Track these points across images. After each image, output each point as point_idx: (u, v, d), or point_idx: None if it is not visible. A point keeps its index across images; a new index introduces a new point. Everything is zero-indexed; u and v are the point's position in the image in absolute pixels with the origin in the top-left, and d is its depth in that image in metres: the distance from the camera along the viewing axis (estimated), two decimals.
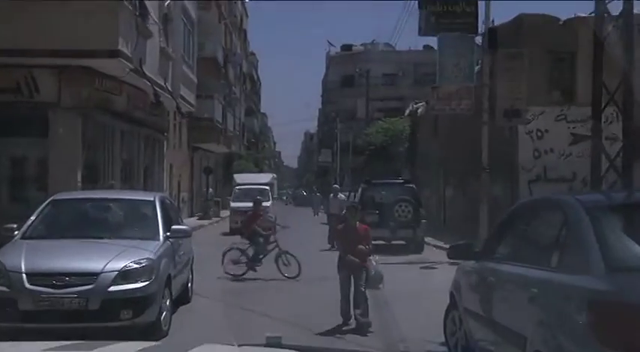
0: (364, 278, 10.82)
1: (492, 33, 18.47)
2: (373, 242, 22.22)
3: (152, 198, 12.22)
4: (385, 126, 36.52)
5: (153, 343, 2.80)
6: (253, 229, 16.59)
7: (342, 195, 25.00)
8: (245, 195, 32.41)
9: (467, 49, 18.99)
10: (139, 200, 12.68)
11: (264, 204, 29.66)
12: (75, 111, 20.05)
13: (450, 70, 18.95)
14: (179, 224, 12.76)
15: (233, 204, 33.20)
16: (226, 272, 15.68)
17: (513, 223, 7.31)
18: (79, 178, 20.38)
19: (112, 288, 9.51)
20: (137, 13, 21.49)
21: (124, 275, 9.64)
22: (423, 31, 18.84)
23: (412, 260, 19.09)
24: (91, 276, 9.54)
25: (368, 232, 11.48)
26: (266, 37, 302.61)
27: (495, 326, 6.62)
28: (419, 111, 33.95)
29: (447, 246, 21.44)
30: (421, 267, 17.21)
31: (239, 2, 66.94)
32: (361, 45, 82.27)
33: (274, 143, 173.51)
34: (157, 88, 23.72)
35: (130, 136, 26.38)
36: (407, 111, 38.13)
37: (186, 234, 12.11)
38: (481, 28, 19.16)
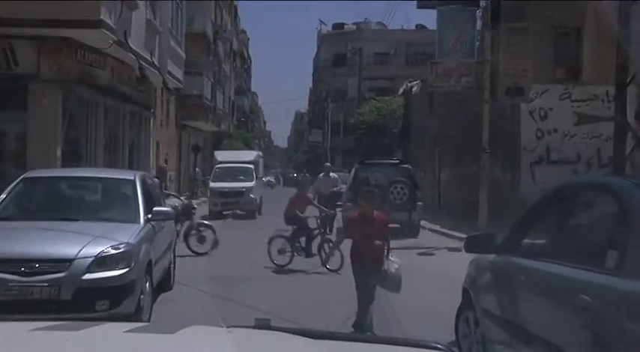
0: (379, 280, 9.10)
1: (495, 6, 17.56)
2: None
3: (132, 177, 11.37)
4: (378, 105, 35.57)
5: (141, 324, 2.68)
6: (297, 215, 15.08)
7: (334, 175, 23.22)
8: (226, 174, 30.66)
9: (468, 22, 18.07)
10: (118, 179, 11.80)
11: (248, 184, 28.78)
12: (55, 84, 19.12)
13: (449, 44, 18.05)
14: (161, 205, 11.95)
15: (212, 185, 30.48)
16: (273, 262, 14.55)
17: (549, 211, 6.20)
18: (59, 155, 19.46)
19: (87, 276, 8.67)
20: None
21: (100, 262, 8.80)
22: (421, 3, 17.89)
23: (408, 245, 18.19)
24: (64, 263, 8.67)
25: (387, 223, 9.81)
26: (257, 15, 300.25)
27: (522, 334, 5.61)
28: (413, 89, 33.05)
29: (444, 230, 20.79)
30: (418, 253, 16.32)
31: None
32: (353, 24, 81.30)
33: (264, 122, 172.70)
34: (142, 62, 22.74)
35: (115, 112, 25.39)
36: (400, 90, 37.20)
37: (168, 217, 11.30)
38: (482, 1, 18.23)
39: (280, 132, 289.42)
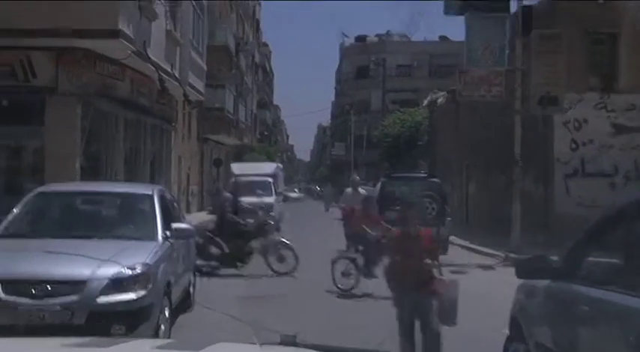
0: (434, 310, 7.64)
1: (527, 12, 16.89)
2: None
3: (150, 192, 10.75)
4: (403, 117, 34.87)
5: (169, 340, 2.86)
6: (364, 233, 13.18)
7: (364, 190, 20.67)
8: (243, 188, 27.70)
9: (497, 29, 17.38)
10: (135, 194, 11.16)
11: (266, 199, 25.88)
12: (74, 97, 18.64)
13: (478, 52, 17.37)
14: (180, 221, 11.31)
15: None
16: (337, 287, 13.18)
17: (616, 232, 5.31)
18: (78, 169, 18.97)
19: (102, 299, 8.12)
20: None
21: (116, 284, 8.24)
22: (448, 10, 17.23)
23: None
24: (77, 285, 8.11)
25: (434, 241, 8.79)
26: (279, 28, 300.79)
27: None
28: (439, 101, 32.35)
29: (474, 247, 20.05)
30: (451, 271, 15.52)
31: None
32: (376, 36, 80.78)
33: (287, 136, 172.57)
34: (162, 73, 22.25)
35: (135, 125, 24.92)
36: (425, 102, 36.51)
37: (189, 234, 10.70)
38: (513, 7, 17.57)
39: (303, 145, 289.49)
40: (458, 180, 28.58)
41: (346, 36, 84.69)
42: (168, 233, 9.79)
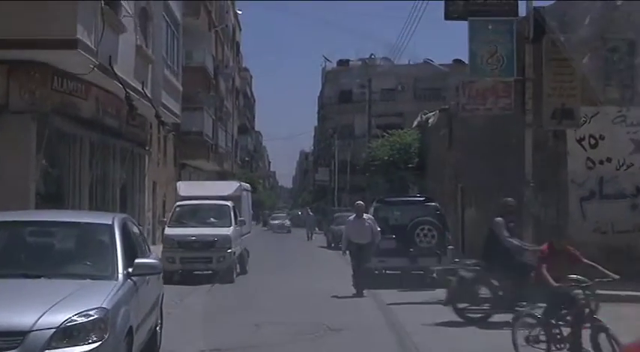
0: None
1: (538, 15, 15.02)
2: (387, 272, 18.85)
3: (110, 222, 9.01)
4: (392, 139, 32.95)
5: None
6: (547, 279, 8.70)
7: (370, 216, 17.38)
8: (191, 215, 21.84)
9: (505, 35, 15.46)
10: (92, 224, 9.38)
11: (220, 231, 19.93)
12: (27, 115, 16.59)
13: (484, 61, 15.42)
14: (146, 255, 9.59)
15: (169, 231, 21.03)
16: None
17: None
18: (32, 196, 16.89)
19: None
20: None
21: (65, 334, 6.72)
22: (450, 14, 15.33)
23: (440, 296, 15.40)
24: (16, 337, 6.55)
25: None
26: (260, 54, 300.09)
27: None
28: (430, 121, 30.46)
29: None
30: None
31: (231, 13, 63.71)
32: (359, 60, 79.38)
33: (269, 162, 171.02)
34: (129, 91, 20.19)
35: (103, 149, 22.86)
36: (415, 122, 34.64)
37: (154, 271, 8.89)
38: (522, 10, 15.66)
39: (285, 172, 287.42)
40: (452, 205, 26.56)
41: (328, 60, 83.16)
42: (130, 270, 8.24)
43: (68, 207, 19.21)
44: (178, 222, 21.49)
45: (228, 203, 21.59)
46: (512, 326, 9.16)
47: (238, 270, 21.07)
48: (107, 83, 20.06)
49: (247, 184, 28.34)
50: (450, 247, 17.94)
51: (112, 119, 22.22)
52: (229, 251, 19.59)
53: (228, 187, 24.41)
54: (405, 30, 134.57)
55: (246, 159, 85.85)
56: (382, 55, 77.45)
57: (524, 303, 9.35)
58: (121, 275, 8.07)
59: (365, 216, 17.08)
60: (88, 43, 16.67)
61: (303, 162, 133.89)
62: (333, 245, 38.39)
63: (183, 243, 20.00)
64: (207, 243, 19.73)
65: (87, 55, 16.57)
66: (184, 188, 25.20)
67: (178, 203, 22.83)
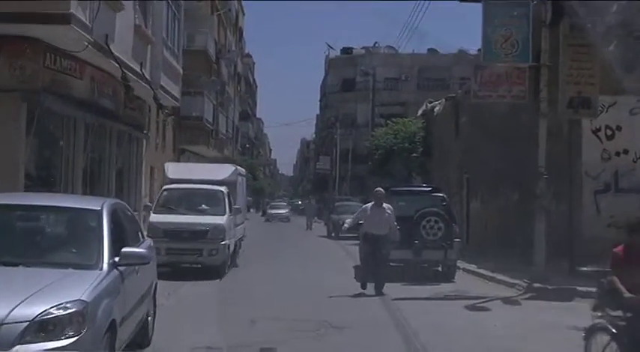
0: None
1: None
2: (392, 264, 18.10)
3: (98, 208, 8.41)
4: (396, 128, 32.14)
5: None
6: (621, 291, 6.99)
7: (389, 206, 15.32)
8: (180, 200, 19.33)
9: (521, 19, 14.68)
10: (78, 209, 8.75)
11: (213, 219, 17.66)
12: (16, 94, 15.80)
13: (498, 45, 14.63)
14: (138, 244, 9.09)
15: (154, 218, 18.53)
16: None
17: None
18: (22, 178, 16.13)
19: (19, 349, 6.09)
20: None
21: (39, 328, 6.24)
22: None
23: (445, 291, 14.73)
24: None
25: None
26: (263, 41, 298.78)
27: None
28: (435, 110, 29.69)
29: (484, 273, 17.22)
30: (466, 307, 12.71)
31: None
32: (362, 48, 78.51)
33: (270, 150, 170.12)
34: (126, 71, 19.41)
35: (98, 131, 22.08)
36: (420, 111, 33.84)
37: (142, 260, 8.31)
38: None
39: (286, 160, 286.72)
40: (457, 196, 25.82)
41: (332, 48, 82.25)
42: (117, 259, 7.69)
43: (60, 191, 18.48)
44: (165, 207, 18.82)
45: (223, 188, 19.06)
46: (586, 339, 7.84)
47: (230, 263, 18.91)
48: (103, 63, 19.30)
49: (242, 169, 25.12)
50: (456, 240, 17.18)
51: (109, 100, 21.45)
52: (223, 243, 17.30)
53: (223, 171, 21.53)
54: (413, 17, 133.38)
55: (247, 146, 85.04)
56: (386, 44, 76.87)
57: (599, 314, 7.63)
58: (106, 265, 7.50)
59: (384, 205, 15.19)
60: (83, 19, 15.88)
61: (305, 151, 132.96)
62: (333, 234, 37.65)
63: (170, 232, 17.39)
64: (198, 233, 17.30)
65: (81, 32, 15.79)
66: (173, 170, 22.13)
67: (166, 186, 20.17)
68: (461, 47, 73.94)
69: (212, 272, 16.66)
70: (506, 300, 13.46)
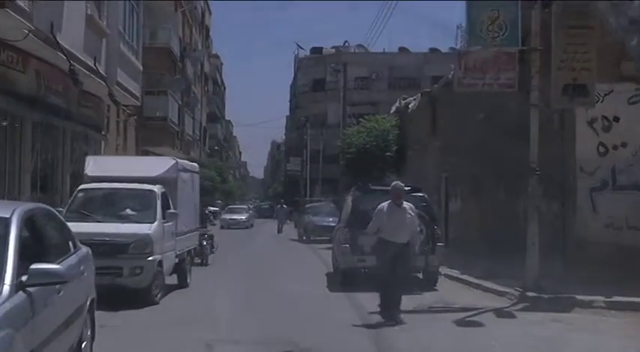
0: None
1: None
2: (366, 271, 16.56)
3: (7, 215, 6.73)
4: (369, 126, 30.64)
5: None
6: None
7: (410, 205, 12.33)
8: (99, 203, 15.32)
9: None
10: None
11: (139, 229, 13.76)
12: None
13: (484, 27, 13.16)
14: (64, 256, 7.62)
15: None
16: None
17: None
18: None
19: None
20: None
21: None
22: None
23: (430, 303, 13.21)
24: None
25: None
26: (232, 44, 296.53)
27: None
28: (410, 106, 28.26)
29: (469, 279, 15.73)
30: (456, 322, 11.09)
31: None
32: (332, 47, 77.30)
33: (240, 152, 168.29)
34: (74, 63, 17.74)
35: (49, 131, 20.43)
36: (393, 108, 32.42)
37: (57, 279, 6.66)
38: None
39: (256, 162, 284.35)
40: (435, 196, 24.32)
41: (301, 47, 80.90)
42: (24, 279, 6.15)
43: (4, 197, 16.87)
44: (78, 213, 14.31)
45: (156, 188, 14.94)
46: None
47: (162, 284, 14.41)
48: (50, 55, 17.69)
49: (194, 164, 20.31)
50: (439, 244, 15.68)
51: (58, 97, 19.81)
52: (150, 259, 13.39)
53: (159, 165, 16.86)
54: (380, 16, 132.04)
55: (216, 148, 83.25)
56: (356, 43, 75.53)
57: None
58: (6, 287, 5.94)
59: (405, 204, 12.07)
60: (21, 4, 14.27)
61: (275, 153, 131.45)
62: (304, 238, 36.17)
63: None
64: (117, 247, 13.29)
65: (19, 18, 14.19)
66: (95, 165, 16.86)
67: (82, 186, 15.86)
68: (432, 46, 72.90)
69: (137, 297, 12.92)
70: (499, 313, 11.95)
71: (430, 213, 15.88)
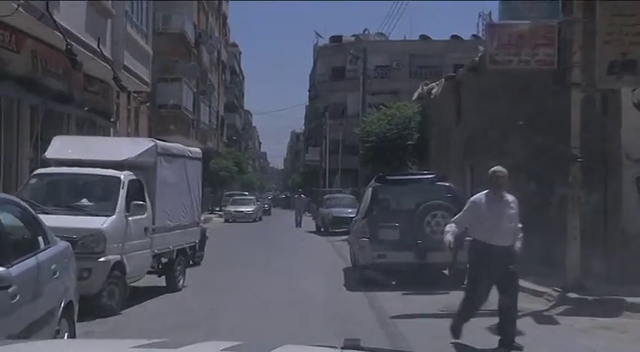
0: None
1: None
2: (387, 267, 15.17)
3: None
4: (389, 113, 29.22)
5: (235, 343, 2.67)
6: None
7: (514, 199, 9.67)
8: (52, 192, 13.25)
9: None
10: None
11: (90, 223, 11.71)
12: None
13: None
14: (30, 253, 6.78)
15: None
16: None
17: None
18: None
19: None
20: None
21: None
22: None
23: (458, 304, 11.80)
24: None
25: None
26: (252, 35, 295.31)
27: None
28: (433, 92, 26.82)
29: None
30: (490, 329, 9.57)
31: None
32: (352, 36, 75.90)
33: (259, 143, 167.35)
34: (71, 42, 16.51)
35: (51, 117, 19.28)
36: (415, 94, 30.96)
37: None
38: None
39: (277, 153, 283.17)
40: (459, 187, 22.90)
41: (320, 36, 79.32)
42: None
43: (5, 186, 15.87)
44: (27, 203, 11.09)
45: (122, 175, 12.65)
46: None
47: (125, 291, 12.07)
48: (47, 35, 16.47)
49: (193, 149, 17.60)
50: (467, 238, 14.24)
51: (58, 80, 18.61)
52: (102, 259, 11.37)
53: (131, 148, 14.11)
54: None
55: (234, 138, 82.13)
56: (376, 31, 74.12)
57: None
58: None
59: (507, 197, 9.52)
60: None
61: (295, 143, 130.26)
62: (322, 229, 34.81)
63: None
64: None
65: None
66: (59, 145, 14.32)
67: (37, 171, 13.80)
68: (454, 33, 71.39)
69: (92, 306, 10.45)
70: (538, 317, 10.59)
71: (458, 204, 14.46)
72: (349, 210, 28.45)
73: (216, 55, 58.70)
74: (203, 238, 18.21)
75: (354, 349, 2.63)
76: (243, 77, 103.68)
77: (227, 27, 71.24)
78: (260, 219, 49.52)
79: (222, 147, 63.55)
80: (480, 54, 19.08)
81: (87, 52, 19.01)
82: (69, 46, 16.11)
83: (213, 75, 56.64)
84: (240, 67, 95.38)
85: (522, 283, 13.35)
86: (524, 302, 11.87)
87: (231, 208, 49.24)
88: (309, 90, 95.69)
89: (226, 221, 46.09)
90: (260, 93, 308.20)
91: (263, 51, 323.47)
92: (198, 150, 17.74)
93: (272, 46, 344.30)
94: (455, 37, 70.24)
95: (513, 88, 17.28)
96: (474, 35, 73.00)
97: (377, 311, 11.36)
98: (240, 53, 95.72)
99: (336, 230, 31.09)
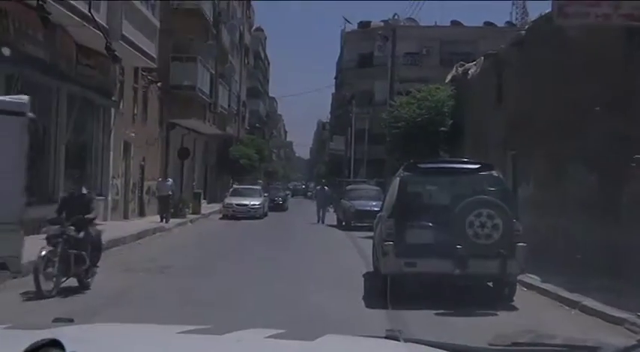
0: None
1: None
2: (417, 279, 12.12)
3: None
4: (420, 96, 26.45)
5: (280, 331, 2.60)
6: None
7: None
8: None
9: None
10: None
11: None
12: None
13: None
14: None
15: None
16: None
17: None
18: None
19: None
20: None
21: None
22: None
23: (512, 333, 9.00)
24: None
25: None
26: (277, 18, 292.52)
27: None
28: (470, 72, 24.05)
29: (557, 292, 11.27)
30: None
31: None
32: (381, 21, 73.30)
33: (285, 132, 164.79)
34: (108, 39, 13.98)
35: (32, 89, 16.78)
36: (449, 76, 28.20)
37: None
38: None
39: (303, 142, 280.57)
40: None
41: (348, 21, 76.79)
42: None
43: None
44: None
45: None
46: None
47: None
48: None
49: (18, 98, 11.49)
50: (520, 244, 11.47)
51: (37, 47, 16.13)
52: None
53: None
54: None
55: (257, 125, 79.54)
56: (406, 16, 71.41)
57: None
58: None
59: None
60: None
61: (321, 132, 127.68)
62: (344, 224, 32.05)
63: None
64: None
65: None
66: None
67: None
68: (487, 20, 68.60)
69: None
70: None
71: (508, 200, 11.75)
72: (373, 203, 25.62)
73: (239, 37, 56.12)
74: (97, 247, 12.28)
75: (394, 339, 2.52)
76: (269, 63, 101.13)
77: (251, 9, 68.64)
78: (266, 215, 39.24)
79: (243, 134, 61.07)
80: (528, 24, 16.26)
81: (75, 17, 16.55)
82: (40, 3, 13.54)
83: (235, 58, 54.08)
84: (265, 53, 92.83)
85: (590, 302, 10.66)
86: (599, 331, 9.20)
87: (232, 200, 38.08)
88: (335, 78, 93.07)
89: (224, 216, 36.75)
90: (286, 80, 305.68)
91: (291, 38, 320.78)
92: (23, 97, 11.37)
93: (300, 33, 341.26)
94: (488, 23, 67.64)
95: (573, 62, 14.48)
96: (508, 22, 70.13)
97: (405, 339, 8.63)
98: (266, 38, 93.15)
99: (359, 224, 28.38)
